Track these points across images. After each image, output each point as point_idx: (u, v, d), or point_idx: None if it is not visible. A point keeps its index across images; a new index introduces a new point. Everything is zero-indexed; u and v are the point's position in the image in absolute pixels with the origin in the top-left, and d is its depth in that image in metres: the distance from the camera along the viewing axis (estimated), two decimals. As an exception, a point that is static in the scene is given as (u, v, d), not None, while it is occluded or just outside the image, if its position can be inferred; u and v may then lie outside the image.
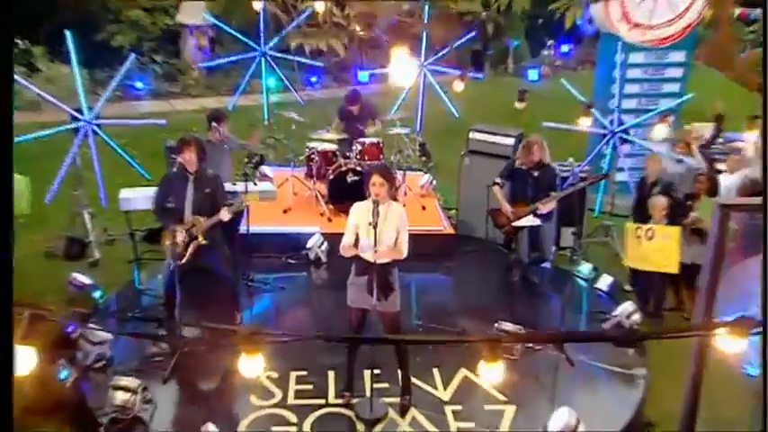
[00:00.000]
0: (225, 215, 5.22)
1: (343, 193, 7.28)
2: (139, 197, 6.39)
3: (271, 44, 10.52)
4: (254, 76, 11.04)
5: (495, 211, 6.33)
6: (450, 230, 7.47)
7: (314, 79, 12.30)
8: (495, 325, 5.39)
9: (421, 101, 10.46)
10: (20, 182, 6.41)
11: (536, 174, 6.11)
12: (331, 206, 7.57)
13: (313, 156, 7.80)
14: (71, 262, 6.77)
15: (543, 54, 18.87)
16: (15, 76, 6.41)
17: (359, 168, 7.48)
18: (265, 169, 8.05)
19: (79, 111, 6.90)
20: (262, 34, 10.33)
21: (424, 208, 7.99)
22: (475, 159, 7.67)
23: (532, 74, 11.66)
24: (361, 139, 7.78)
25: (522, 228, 6.27)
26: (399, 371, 4.71)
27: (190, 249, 5.21)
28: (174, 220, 5.20)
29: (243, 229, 6.47)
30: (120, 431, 4.27)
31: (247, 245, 6.40)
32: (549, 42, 18.61)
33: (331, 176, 7.52)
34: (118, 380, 4.45)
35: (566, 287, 6.71)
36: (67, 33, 6.80)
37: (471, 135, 7.77)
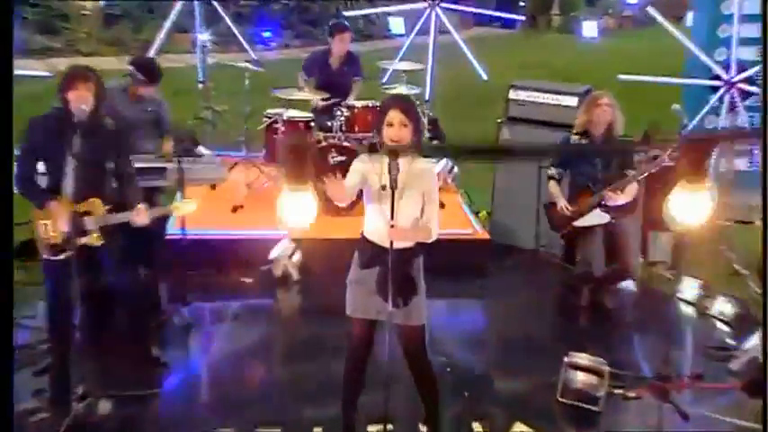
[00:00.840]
0: (141, 217, 5.09)
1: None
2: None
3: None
4: (180, 28, 11.11)
5: (552, 206, 6.44)
6: (484, 235, 7.55)
7: (267, 34, 12.28)
8: (566, 359, 5.34)
9: (431, 57, 10.43)
10: None
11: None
12: None
13: (277, 128, 7.85)
14: None
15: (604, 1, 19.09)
16: None
17: (346, 144, 7.53)
18: (203, 152, 7.91)
19: None
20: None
21: (442, 206, 7.89)
22: (518, 130, 7.77)
23: (589, 28, 11.64)
24: (349, 102, 7.83)
25: (589, 230, 6.28)
26: (424, 427, 4.73)
27: (71, 250, 4.93)
28: (48, 193, 4.98)
29: (173, 232, 6.46)
30: None
31: (179, 256, 6.35)
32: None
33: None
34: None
35: (662, 315, 6.76)
36: None
37: (513, 94, 7.90)
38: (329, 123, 7.79)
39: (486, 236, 7.51)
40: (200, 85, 10.31)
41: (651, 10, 8.08)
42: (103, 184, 5.10)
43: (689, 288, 7.04)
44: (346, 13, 11.37)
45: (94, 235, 5.01)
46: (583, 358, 5.33)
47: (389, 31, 14.30)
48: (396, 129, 4.17)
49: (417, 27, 10.52)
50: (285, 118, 7.78)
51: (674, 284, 7.15)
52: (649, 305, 6.87)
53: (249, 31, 12.97)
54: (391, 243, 4.05)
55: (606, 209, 6.12)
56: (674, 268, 7.37)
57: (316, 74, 8.38)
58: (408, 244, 4.27)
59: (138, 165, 5.81)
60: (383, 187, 4.08)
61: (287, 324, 6.57)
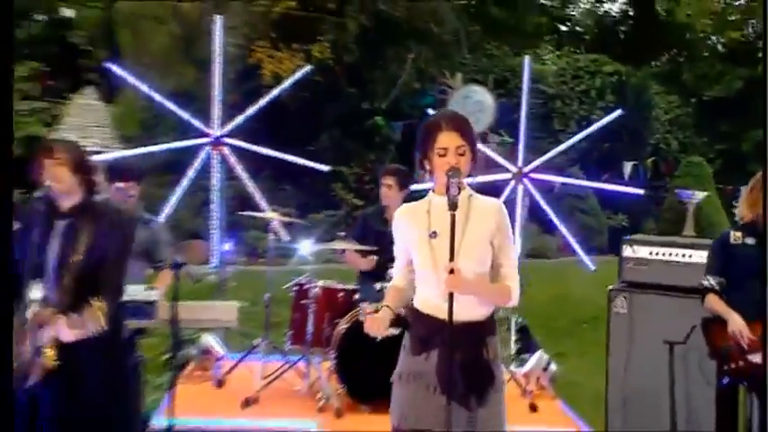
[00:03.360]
0: (92, 322, 4.19)
1: (368, 366, 6.36)
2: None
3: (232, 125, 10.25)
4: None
5: (715, 324, 5.21)
6: None
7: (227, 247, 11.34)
8: None
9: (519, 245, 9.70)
10: None
11: None
12: (343, 391, 6.71)
13: (306, 297, 6.98)
14: None
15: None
16: None
17: (401, 312, 6.23)
18: (211, 341, 7.48)
19: None
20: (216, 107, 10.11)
21: (534, 409, 6.90)
22: (639, 300, 6.47)
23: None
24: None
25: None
26: None
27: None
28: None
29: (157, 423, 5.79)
30: None
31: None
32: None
33: (343, 331, 6.65)
34: None
35: None
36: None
37: (627, 251, 6.68)
38: (377, 286, 6.77)
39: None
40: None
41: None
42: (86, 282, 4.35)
43: None
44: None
45: (49, 356, 4.22)
46: None
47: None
48: (452, 157, 3.55)
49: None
50: (321, 285, 6.97)
51: None
52: None
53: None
54: (450, 314, 3.38)
55: None
56: None
57: (360, 235, 7.40)
58: (478, 315, 3.61)
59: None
60: (433, 234, 3.55)
61: None
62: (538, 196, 10.09)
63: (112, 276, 4.47)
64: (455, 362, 3.48)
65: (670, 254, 6.56)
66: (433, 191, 3.68)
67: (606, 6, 32.07)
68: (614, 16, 32.06)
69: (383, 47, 20.52)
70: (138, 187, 6.03)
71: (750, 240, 5.08)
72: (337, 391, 6.69)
